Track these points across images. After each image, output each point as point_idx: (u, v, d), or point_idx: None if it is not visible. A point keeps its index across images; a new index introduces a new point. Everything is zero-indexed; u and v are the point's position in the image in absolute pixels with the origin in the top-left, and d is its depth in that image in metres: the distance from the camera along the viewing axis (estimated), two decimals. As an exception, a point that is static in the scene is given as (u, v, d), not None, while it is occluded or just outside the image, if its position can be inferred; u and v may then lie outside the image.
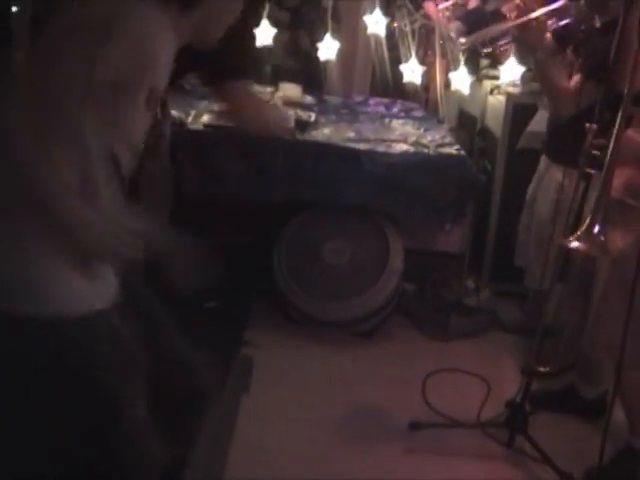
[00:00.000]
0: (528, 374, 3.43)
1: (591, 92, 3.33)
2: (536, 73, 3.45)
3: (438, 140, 4.70)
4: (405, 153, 4.41)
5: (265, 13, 5.01)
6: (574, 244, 2.72)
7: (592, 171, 2.96)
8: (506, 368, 4.11)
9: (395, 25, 6.74)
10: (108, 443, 1.92)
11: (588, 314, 3.35)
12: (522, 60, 4.59)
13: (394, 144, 4.52)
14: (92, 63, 1.73)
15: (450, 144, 4.63)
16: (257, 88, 5.42)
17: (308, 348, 4.21)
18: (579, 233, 2.73)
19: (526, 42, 3.52)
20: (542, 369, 4.11)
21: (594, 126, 2.86)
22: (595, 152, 2.88)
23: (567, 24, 3.77)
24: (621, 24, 2.90)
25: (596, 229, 2.70)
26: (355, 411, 3.71)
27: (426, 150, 4.49)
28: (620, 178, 3.03)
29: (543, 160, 4.01)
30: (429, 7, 6.02)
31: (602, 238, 2.71)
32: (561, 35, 3.65)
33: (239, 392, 3.69)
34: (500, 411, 3.49)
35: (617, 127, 2.72)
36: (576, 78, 3.60)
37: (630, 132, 2.98)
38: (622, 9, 2.98)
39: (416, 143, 4.58)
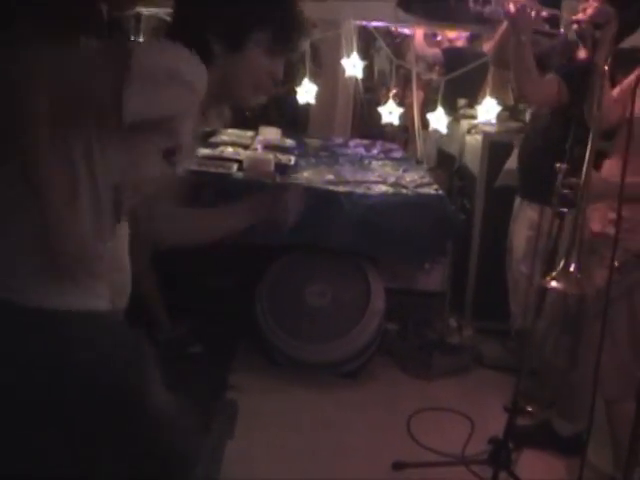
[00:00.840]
0: (512, 412, 3.44)
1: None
2: (513, 55, 3.41)
3: (417, 180, 4.75)
4: (384, 194, 4.46)
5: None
6: (551, 284, 2.76)
7: (565, 210, 3.00)
8: (489, 405, 4.12)
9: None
10: (138, 431, 1.96)
11: (577, 352, 3.37)
12: (498, 95, 4.67)
13: (373, 185, 4.58)
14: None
15: (429, 184, 4.68)
16: (238, 132, 5.50)
17: (292, 391, 4.21)
18: (555, 273, 2.77)
19: (517, 22, 3.49)
20: (527, 408, 4.17)
21: (564, 166, 2.90)
22: (566, 191, 2.92)
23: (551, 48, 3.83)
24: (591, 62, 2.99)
25: (572, 267, 2.74)
26: (340, 452, 3.70)
27: (405, 191, 4.54)
28: (601, 211, 3.07)
29: (517, 198, 4.06)
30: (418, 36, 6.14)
31: (578, 276, 2.75)
32: (541, 59, 3.68)
33: (224, 437, 3.69)
34: (484, 448, 3.50)
35: (586, 164, 2.77)
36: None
37: (607, 166, 3.02)
38: (591, 47, 3.07)
39: (395, 184, 4.63)
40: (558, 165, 2.93)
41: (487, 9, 3.44)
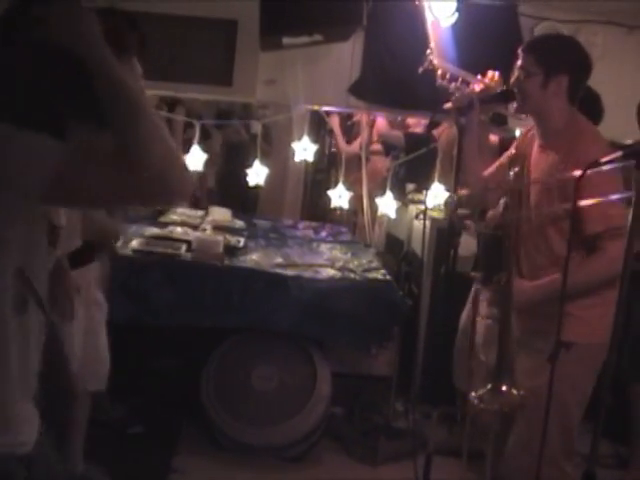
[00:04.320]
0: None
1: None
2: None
3: (365, 264, 4.80)
4: (332, 278, 4.49)
5: (196, 139, 5.11)
6: (481, 404, 2.80)
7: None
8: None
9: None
10: None
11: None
12: (446, 181, 4.75)
13: (321, 269, 4.61)
14: None
15: (376, 269, 4.73)
16: (188, 212, 5.52)
17: (237, 474, 4.17)
18: (483, 393, 2.81)
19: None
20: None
21: (478, 274, 2.95)
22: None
23: None
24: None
25: (503, 388, 2.77)
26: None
27: (352, 275, 4.58)
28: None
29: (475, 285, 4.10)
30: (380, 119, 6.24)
31: (514, 392, 2.78)
32: None
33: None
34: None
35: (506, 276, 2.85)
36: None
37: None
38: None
39: (343, 268, 4.67)
40: (473, 273, 2.97)
41: (453, 85, 3.52)
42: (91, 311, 3.47)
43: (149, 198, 1.71)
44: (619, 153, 2.12)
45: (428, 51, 3.53)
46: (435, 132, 5.59)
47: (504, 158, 3.47)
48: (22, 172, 1.54)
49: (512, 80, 3.16)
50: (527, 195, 3.19)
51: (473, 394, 2.94)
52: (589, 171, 2.18)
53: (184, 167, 1.70)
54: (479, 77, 3.41)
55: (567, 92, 3.10)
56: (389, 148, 6.45)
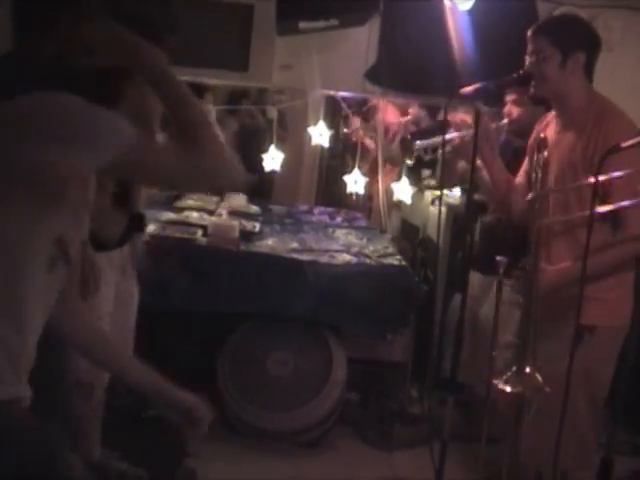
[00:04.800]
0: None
1: None
2: None
3: (380, 250, 4.78)
4: (347, 264, 4.48)
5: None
6: (507, 388, 2.79)
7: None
8: (451, 477, 4.10)
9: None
10: None
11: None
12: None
13: (337, 254, 4.60)
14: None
15: (392, 254, 4.72)
16: (204, 197, 5.52)
17: (252, 459, 4.17)
18: (509, 375, 2.79)
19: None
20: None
21: (504, 259, 2.92)
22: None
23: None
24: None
25: (527, 370, 2.76)
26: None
27: (368, 260, 4.57)
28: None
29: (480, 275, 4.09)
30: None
31: (537, 376, 2.77)
32: None
33: (182, 506, 3.65)
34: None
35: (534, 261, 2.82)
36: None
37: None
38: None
39: (359, 253, 4.66)
40: (498, 258, 2.95)
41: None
42: (117, 296, 3.46)
43: (207, 180, 1.92)
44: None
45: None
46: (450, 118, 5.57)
47: (526, 164, 3.42)
48: (102, 136, 1.71)
49: (527, 65, 3.13)
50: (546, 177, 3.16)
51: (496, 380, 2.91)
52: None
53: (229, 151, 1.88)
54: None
55: (584, 69, 3.08)
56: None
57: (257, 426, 4.32)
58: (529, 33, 3.12)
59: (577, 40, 3.09)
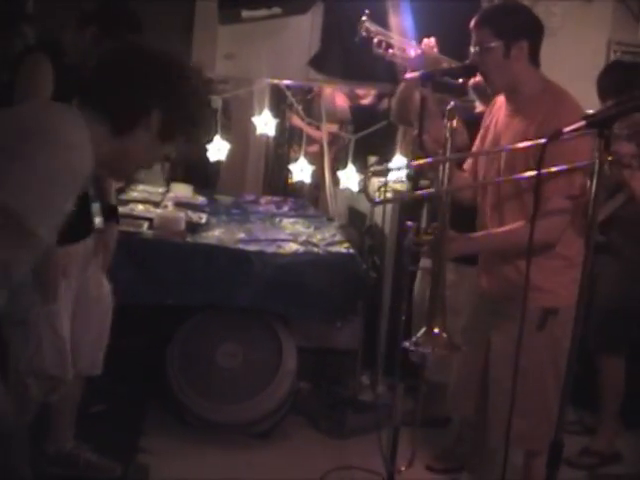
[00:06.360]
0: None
1: None
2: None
3: (328, 238, 4.78)
4: (295, 253, 4.47)
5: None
6: (417, 348, 2.80)
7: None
8: (404, 462, 4.11)
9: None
10: None
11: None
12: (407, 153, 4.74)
13: (284, 244, 4.58)
14: None
15: (340, 242, 4.72)
16: (149, 189, 5.46)
17: (205, 452, 4.15)
18: (418, 337, 2.81)
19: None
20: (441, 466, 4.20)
21: (413, 224, 2.97)
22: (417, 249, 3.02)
23: None
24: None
25: (436, 331, 2.77)
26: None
27: (316, 249, 4.56)
28: (510, 274, 3.14)
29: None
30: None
31: (444, 335, 2.78)
32: None
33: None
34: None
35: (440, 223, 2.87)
36: None
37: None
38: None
39: (306, 242, 4.65)
40: (408, 223, 2.99)
41: (390, 52, 3.50)
42: (82, 293, 3.42)
43: None
44: (582, 122, 2.11)
45: (363, 18, 3.47)
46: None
47: (479, 142, 3.42)
48: None
49: (471, 58, 3.13)
50: (497, 160, 3.17)
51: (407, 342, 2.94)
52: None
53: None
54: (414, 43, 3.39)
55: (529, 56, 3.07)
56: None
57: (208, 419, 4.30)
58: (471, 24, 3.11)
59: (518, 28, 3.06)
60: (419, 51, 3.41)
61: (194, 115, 2.19)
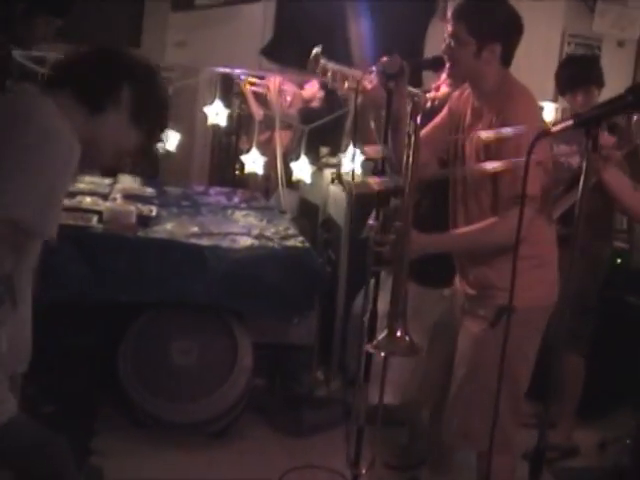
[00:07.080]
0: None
1: None
2: None
3: (282, 232, 4.69)
4: (249, 247, 4.37)
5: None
6: (380, 350, 2.75)
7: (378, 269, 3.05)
8: (363, 460, 4.06)
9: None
10: None
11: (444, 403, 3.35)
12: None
13: (238, 238, 4.48)
14: None
15: (294, 236, 4.64)
16: (96, 181, 5.31)
17: (160, 453, 4.05)
18: (381, 339, 2.75)
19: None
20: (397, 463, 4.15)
21: (374, 223, 2.94)
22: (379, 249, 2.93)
23: None
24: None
25: (398, 333, 2.72)
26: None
27: (270, 243, 4.47)
28: (475, 274, 3.11)
29: None
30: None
31: (407, 338, 2.72)
32: None
33: (87, 508, 3.50)
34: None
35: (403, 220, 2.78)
36: None
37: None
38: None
39: (260, 236, 4.55)
40: (369, 222, 2.94)
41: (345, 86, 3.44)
42: None
43: None
44: (570, 122, 2.06)
45: (316, 50, 3.36)
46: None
47: (438, 119, 3.36)
48: None
49: (443, 47, 3.05)
50: (462, 154, 3.14)
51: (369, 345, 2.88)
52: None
53: None
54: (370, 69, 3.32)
55: (500, 58, 3.02)
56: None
57: (163, 418, 4.19)
58: (449, 14, 3.04)
59: (494, 31, 2.97)
60: (374, 82, 3.32)
61: (161, 96, 2.26)
